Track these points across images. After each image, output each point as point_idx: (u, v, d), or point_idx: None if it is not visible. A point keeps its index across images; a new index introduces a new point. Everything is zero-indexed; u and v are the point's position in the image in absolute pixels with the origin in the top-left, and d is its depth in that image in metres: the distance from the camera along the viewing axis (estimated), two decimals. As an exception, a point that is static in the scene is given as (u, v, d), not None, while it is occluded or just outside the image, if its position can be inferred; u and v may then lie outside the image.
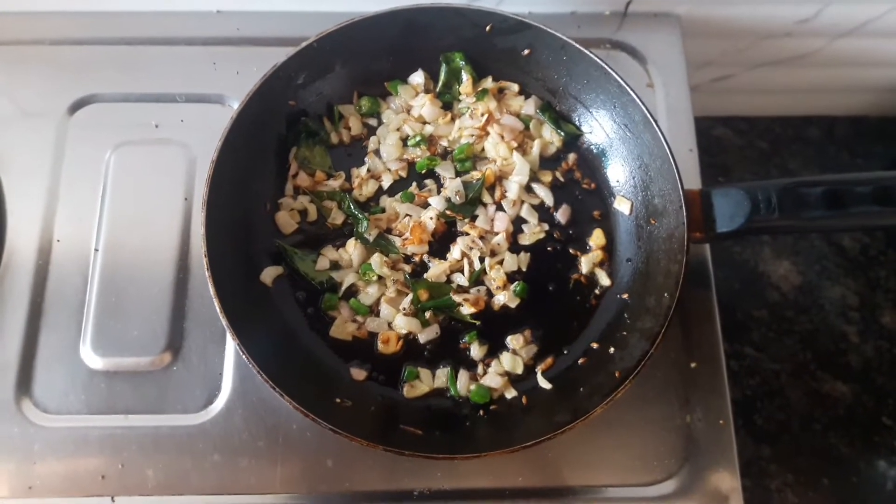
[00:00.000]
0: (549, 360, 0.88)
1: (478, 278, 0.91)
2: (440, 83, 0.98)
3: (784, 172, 1.37)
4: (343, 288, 0.89)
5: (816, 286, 1.30)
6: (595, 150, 0.96)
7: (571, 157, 0.97)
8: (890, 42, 1.20)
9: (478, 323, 0.89)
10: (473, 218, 0.93)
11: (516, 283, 0.90)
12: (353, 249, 0.90)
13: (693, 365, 0.92)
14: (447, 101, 0.99)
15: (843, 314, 1.28)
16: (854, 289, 1.29)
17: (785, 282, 1.30)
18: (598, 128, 0.95)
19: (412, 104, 0.98)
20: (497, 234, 0.92)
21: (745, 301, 1.28)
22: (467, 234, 0.92)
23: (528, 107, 0.97)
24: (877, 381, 1.24)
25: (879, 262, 1.31)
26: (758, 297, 1.29)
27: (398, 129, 0.97)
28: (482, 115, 0.96)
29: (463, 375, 0.87)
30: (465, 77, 0.97)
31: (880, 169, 1.38)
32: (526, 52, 0.95)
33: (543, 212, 0.95)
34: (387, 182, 0.95)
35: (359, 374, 0.86)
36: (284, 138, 0.95)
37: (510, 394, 0.86)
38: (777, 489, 1.17)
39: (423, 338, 0.88)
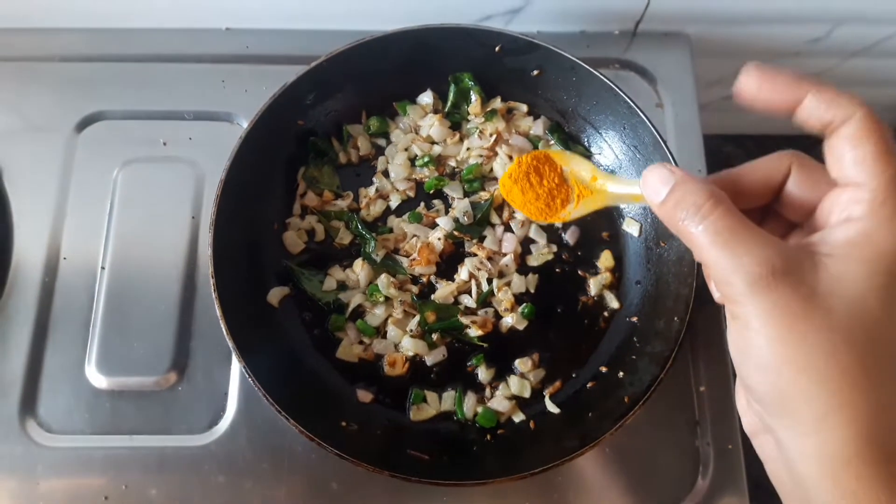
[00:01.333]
0: (557, 384, 0.87)
1: (485, 300, 0.90)
2: (449, 103, 0.98)
3: (793, 192, 1.35)
4: (350, 308, 0.89)
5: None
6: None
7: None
8: (902, 62, 1.19)
9: (485, 345, 0.88)
10: (481, 239, 0.92)
11: (524, 304, 0.90)
12: (360, 270, 0.90)
13: (702, 388, 0.91)
14: (456, 122, 0.98)
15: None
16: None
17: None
18: (607, 149, 0.94)
19: (421, 124, 0.98)
20: (505, 255, 0.92)
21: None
22: (475, 255, 0.92)
23: (537, 127, 0.97)
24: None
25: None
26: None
27: (406, 149, 0.97)
28: (491, 135, 0.96)
29: (470, 398, 0.86)
30: (474, 97, 0.97)
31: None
32: (535, 72, 0.94)
33: (552, 233, 0.94)
34: (395, 202, 0.95)
35: (365, 396, 0.86)
36: (293, 158, 0.94)
37: (518, 417, 0.85)
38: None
39: (430, 360, 0.87)
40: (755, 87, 0.50)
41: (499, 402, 0.86)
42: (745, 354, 0.48)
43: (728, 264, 0.47)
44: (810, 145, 1.42)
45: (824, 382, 0.45)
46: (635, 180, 0.57)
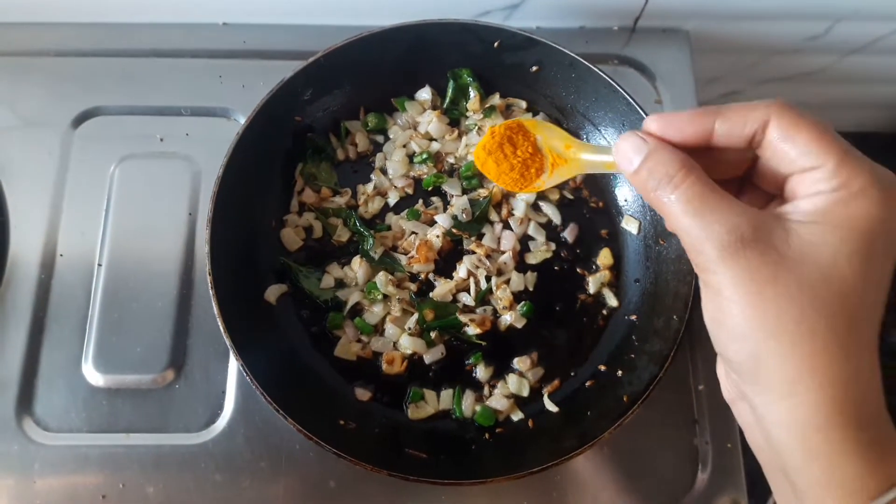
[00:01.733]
0: (555, 383, 0.87)
1: (484, 298, 0.90)
2: (447, 99, 0.97)
3: (791, 188, 1.36)
4: (348, 306, 0.88)
5: (824, 304, 1.28)
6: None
7: (579, 175, 0.96)
8: (901, 59, 1.19)
9: (483, 343, 0.88)
10: (480, 236, 0.92)
11: (523, 303, 0.90)
12: (358, 267, 0.89)
13: (701, 387, 0.90)
14: (454, 118, 0.98)
15: (851, 332, 1.27)
16: (862, 307, 1.28)
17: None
18: (606, 145, 0.94)
19: (419, 120, 0.97)
20: (504, 252, 0.92)
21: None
22: (474, 252, 0.91)
23: None
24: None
25: (888, 280, 1.30)
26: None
27: (405, 146, 0.96)
28: (490, 131, 0.96)
29: (468, 397, 0.86)
30: (473, 93, 0.96)
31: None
32: (534, 68, 0.94)
33: (551, 230, 0.94)
34: (393, 199, 0.94)
35: (363, 394, 0.85)
36: (290, 154, 0.94)
37: (516, 416, 0.85)
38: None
39: (428, 358, 0.87)
40: (660, 133, 0.51)
41: (497, 400, 0.85)
42: (718, 322, 0.49)
43: (699, 233, 0.47)
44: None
45: (794, 346, 0.45)
46: (608, 147, 0.57)
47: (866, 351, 0.46)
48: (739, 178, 0.55)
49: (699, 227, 0.47)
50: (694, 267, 0.50)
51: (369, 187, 0.95)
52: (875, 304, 0.46)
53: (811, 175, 0.47)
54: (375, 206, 0.94)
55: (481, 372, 0.87)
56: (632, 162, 0.51)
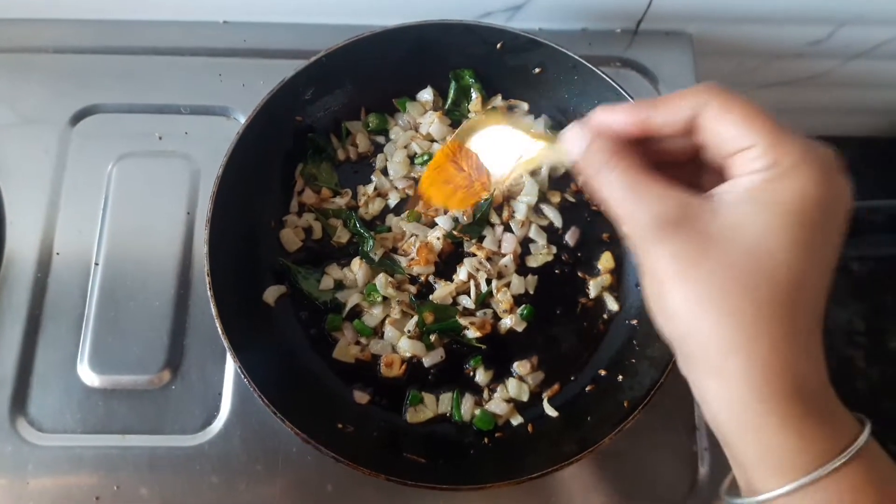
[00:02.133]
0: (555, 387, 0.86)
1: (484, 301, 0.89)
2: (449, 100, 0.97)
3: (792, 193, 1.35)
4: (347, 308, 0.88)
5: (823, 310, 1.28)
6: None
7: (581, 178, 0.95)
8: (903, 64, 1.19)
9: (483, 347, 0.87)
10: (480, 239, 0.91)
11: (523, 306, 0.89)
12: (357, 269, 0.88)
13: (701, 393, 0.90)
14: (456, 119, 0.97)
15: (850, 339, 1.26)
16: (861, 313, 1.28)
17: (792, 305, 1.28)
18: (608, 149, 0.93)
19: (420, 121, 0.97)
20: (504, 255, 0.91)
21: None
22: (474, 255, 0.91)
23: (538, 126, 0.96)
24: (883, 407, 1.22)
25: (886, 286, 1.30)
26: (765, 321, 1.27)
27: (406, 147, 0.96)
28: (491, 133, 0.95)
29: (467, 400, 0.85)
30: (475, 95, 0.96)
31: (890, 192, 1.37)
32: (537, 70, 0.93)
33: (552, 233, 0.93)
34: (393, 200, 0.94)
35: (361, 397, 0.85)
36: (290, 154, 0.93)
37: (516, 421, 0.85)
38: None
39: (427, 361, 0.86)
40: (601, 123, 0.52)
41: (497, 404, 0.85)
42: (655, 304, 0.50)
43: (629, 216, 0.49)
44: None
45: (721, 324, 0.46)
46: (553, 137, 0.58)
47: (802, 326, 0.46)
48: (695, 163, 0.55)
49: (629, 211, 0.49)
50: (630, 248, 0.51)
51: (370, 188, 0.94)
52: (814, 284, 0.46)
53: (744, 154, 0.47)
54: (376, 207, 0.93)
55: (481, 376, 0.86)
56: (574, 149, 0.53)
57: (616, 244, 0.93)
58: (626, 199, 0.49)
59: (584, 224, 0.94)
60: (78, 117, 0.99)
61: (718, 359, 0.46)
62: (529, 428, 0.84)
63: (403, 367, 0.86)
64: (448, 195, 0.68)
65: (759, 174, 0.46)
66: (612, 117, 0.52)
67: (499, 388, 0.86)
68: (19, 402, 0.86)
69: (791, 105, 1.29)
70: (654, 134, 0.51)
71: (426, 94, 0.97)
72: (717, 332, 0.46)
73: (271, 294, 0.87)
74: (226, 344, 0.75)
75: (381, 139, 0.97)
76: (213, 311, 0.76)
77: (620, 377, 0.84)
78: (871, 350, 1.26)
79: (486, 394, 0.86)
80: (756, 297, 0.45)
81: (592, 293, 0.91)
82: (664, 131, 0.51)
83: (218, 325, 0.76)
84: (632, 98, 0.87)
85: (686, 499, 0.86)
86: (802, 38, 1.12)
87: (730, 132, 0.47)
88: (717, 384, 0.47)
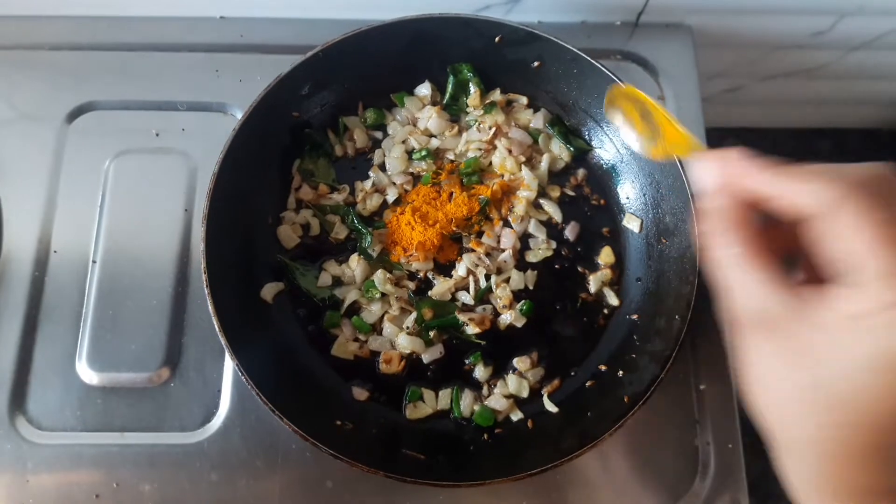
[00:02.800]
0: (555, 383, 0.86)
1: (483, 296, 0.89)
2: (447, 95, 0.96)
3: (795, 186, 1.35)
4: (345, 305, 0.87)
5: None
6: (605, 166, 0.94)
7: (581, 172, 0.95)
8: (905, 55, 1.18)
9: (483, 343, 0.87)
10: (480, 234, 0.91)
11: (523, 301, 0.88)
12: (356, 265, 0.88)
13: (702, 387, 0.89)
14: (454, 114, 0.97)
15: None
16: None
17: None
18: (608, 142, 0.93)
19: (418, 116, 0.96)
20: (504, 250, 0.90)
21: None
22: (473, 250, 0.90)
23: (537, 120, 0.95)
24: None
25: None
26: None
27: (404, 142, 0.95)
28: (490, 128, 0.94)
29: (467, 396, 0.85)
30: (473, 89, 0.95)
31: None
32: (536, 64, 0.93)
33: (551, 228, 0.93)
34: (392, 196, 0.93)
35: (360, 394, 0.84)
36: (287, 150, 0.93)
37: (516, 416, 0.84)
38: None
39: (426, 357, 0.86)
40: (734, 174, 0.50)
41: (496, 400, 0.84)
42: (748, 386, 0.49)
43: (737, 302, 0.48)
44: (811, 138, 1.40)
45: (812, 439, 0.46)
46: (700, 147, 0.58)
47: (883, 468, 0.45)
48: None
49: (738, 296, 0.48)
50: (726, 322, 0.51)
51: (367, 184, 0.94)
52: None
53: (861, 275, 0.43)
54: (374, 202, 0.92)
55: (480, 371, 0.86)
56: (702, 182, 0.52)
57: (616, 239, 0.93)
58: (738, 283, 0.48)
59: (584, 219, 0.93)
60: (74, 114, 0.99)
61: (794, 459, 0.48)
62: (529, 424, 0.84)
63: (402, 363, 0.85)
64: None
65: (873, 305, 0.43)
66: (749, 175, 0.49)
67: (498, 384, 0.86)
68: (18, 400, 0.86)
69: (793, 97, 1.28)
70: (775, 212, 0.49)
71: (424, 89, 0.96)
72: (807, 443, 0.47)
73: (269, 291, 0.87)
74: (223, 342, 0.75)
75: (378, 134, 0.96)
76: (211, 308, 0.76)
77: (620, 372, 0.83)
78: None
79: (485, 389, 0.86)
80: (852, 434, 0.45)
81: (592, 288, 0.90)
82: (784, 213, 0.48)
83: (215, 322, 0.76)
84: (631, 91, 0.86)
85: (689, 492, 0.85)
86: (804, 29, 1.11)
87: (855, 248, 0.43)
88: (796, 469, 0.49)
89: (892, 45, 1.14)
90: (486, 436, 0.83)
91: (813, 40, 1.13)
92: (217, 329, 0.76)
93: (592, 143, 0.95)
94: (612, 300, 0.89)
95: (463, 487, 0.74)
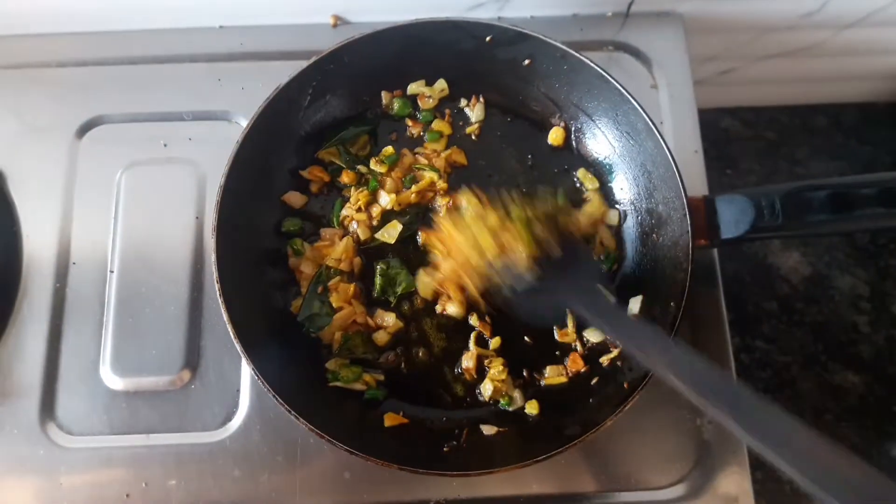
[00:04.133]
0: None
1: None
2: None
3: (792, 162, 1.36)
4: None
5: (826, 277, 1.30)
6: (599, 158, 0.97)
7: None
8: (896, 30, 1.19)
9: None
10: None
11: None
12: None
13: (702, 368, 0.92)
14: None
15: (854, 304, 1.28)
16: (864, 278, 1.29)
17: (794, 273, 1.30)
18: (601, 136, 0.95)
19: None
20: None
21: (755, 294, 1.29)
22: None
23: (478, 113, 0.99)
24: (888, 371, 1.24)
25: (889, 251, 1.31)
26: (768, 290, 1.29)
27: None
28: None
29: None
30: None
31: (889, 155, 1.37)
32: (527, 62, 0.95)
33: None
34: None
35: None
36: (293, 156, 0.96)
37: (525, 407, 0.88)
38: (789, 481, 1.17)
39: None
40: None
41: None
42: None
43: None
44: (807, 114, 1.41)
45: None
46: None
47: None
48: None
49: None
50: None
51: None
52: None
53: None
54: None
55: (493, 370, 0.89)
56: None
57: (611, 230, 0.95)
58: None
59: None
60: (84, 129, 1.02)
61: None
62: (536, 412, 0.87)
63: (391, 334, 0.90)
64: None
65: None
66: None
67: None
68: (48, 407, 0.90)
69: (786, 76, 1.29)
70: None
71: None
72: None
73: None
74: (238, 347, 0.78)
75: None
76: (224, 316, 0.79)
77: (619, 361, 0.86)
78: (875, 315, 1.27)
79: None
80: None
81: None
82: None
83: (230, 330, 0.79)
84: (619, 83, 0.88)
85: (692, 471, 0.89)
86: (794, 10, 1.12)
87: None
88: None
89: (884, 21, 1.15)
90: (495, 429, 0.86)
91: (804, 21, 1.14)
92: (231, 335, 0.79)
93: (586, 136, 0.97)
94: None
95: (473, 476, 0.78)
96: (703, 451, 0.89)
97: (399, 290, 0.90)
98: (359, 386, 0.87)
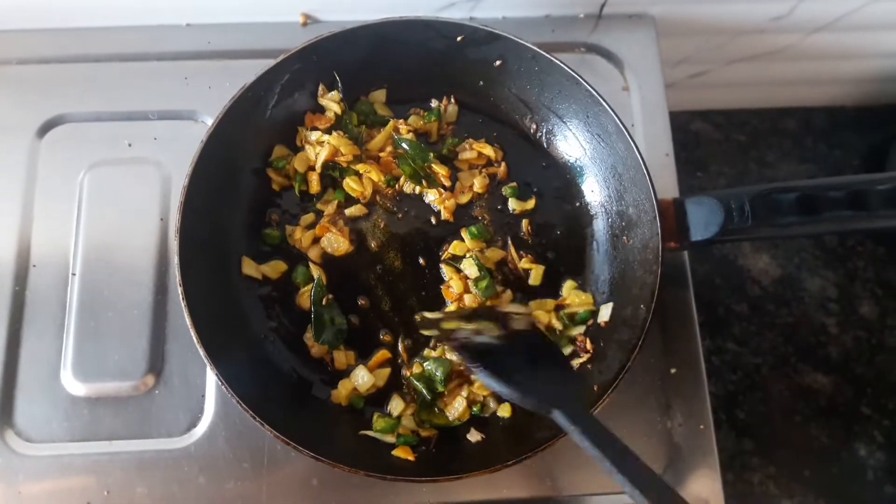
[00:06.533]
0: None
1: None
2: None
3: (762, 165, 1.38)
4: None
5: (796, 279, 1.31)
6: (570, 160, 0.96)
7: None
8: (866, 35, 1.20)
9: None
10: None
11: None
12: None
13: (673, 371, 0.92)
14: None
15: (823, 306, 1.29)
16: (833, 280, 1.31)
17: (765, 275, 1.31)
18: (572, 138, 0.95)
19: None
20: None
21: (726, 296, 1.30)
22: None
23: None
24: (856, 372, 1.26)
25: (857, 252, 1.33)
26: (738, 292, 1.30)
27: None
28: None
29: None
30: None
31: (857, 158, 1.39)
32: (498, 62, 0.94)
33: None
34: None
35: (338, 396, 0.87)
36: (259, 156, 0.94)
37: (500, 411, 0.87)
38: (759, 482, 1.19)
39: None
40: None
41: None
42: None
43: None
44: (777, 117, 1.42)
45: None
46: None
47: None
48: None
49: None
50: None
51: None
52: None
53: None
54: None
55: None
56: None
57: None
58: None
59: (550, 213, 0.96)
60: (45, 128, 1.00)
61: None
62: (506, 416, 0.86)
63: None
64: None
65: None
66: None
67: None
68: (6, 413, 0.87)
69: (757, 79, 1.30)
70: None
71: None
72: None
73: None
74: (201, 352, 0.77)
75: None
76: (187, 320, 0.78)
77: (590, 364, 0.86)
78: (844, 316, 1.29)
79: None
80: None
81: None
82: None
83: (192, 333, 0.77)
84: (590, 85, 0.88)
85: (663, 474, 0.88)
86: (764, 14, 1.13)
87: None
88: None
89: (852, 25, 1.16)
90: (463, 432, 0.85)
91: (774, 24, 1.15)
92: (195, 340, 0.77)
93: (556, 138, 0.96)
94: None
95: (442, 482, 0.77)
96: (674, 454, 0.89)
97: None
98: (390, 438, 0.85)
